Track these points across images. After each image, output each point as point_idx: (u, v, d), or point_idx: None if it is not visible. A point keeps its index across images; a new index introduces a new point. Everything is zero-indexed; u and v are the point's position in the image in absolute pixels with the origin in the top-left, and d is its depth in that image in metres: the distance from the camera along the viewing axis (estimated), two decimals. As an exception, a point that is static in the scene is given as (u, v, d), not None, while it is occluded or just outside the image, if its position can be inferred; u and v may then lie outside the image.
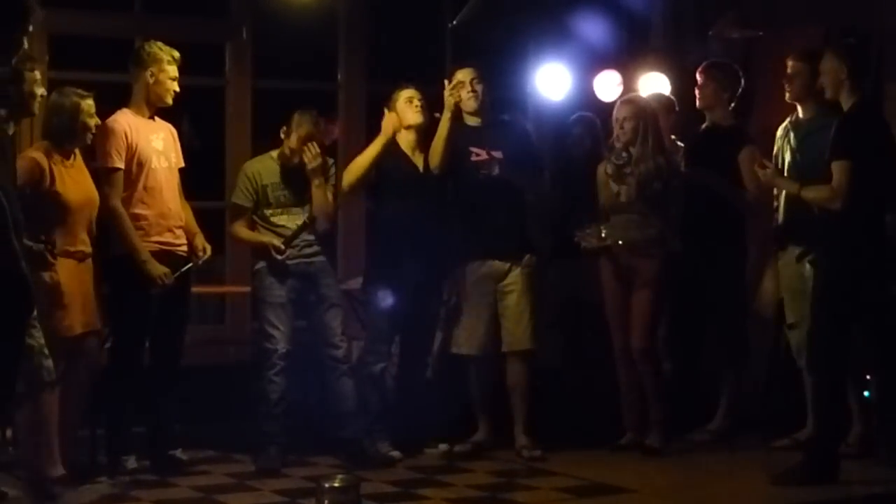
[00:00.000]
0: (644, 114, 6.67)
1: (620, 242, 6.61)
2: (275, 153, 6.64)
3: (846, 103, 6.00)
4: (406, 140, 6.72)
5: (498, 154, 6.66)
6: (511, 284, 6.70)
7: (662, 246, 6.63)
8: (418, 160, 6.72)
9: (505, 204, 6.69)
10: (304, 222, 6.51)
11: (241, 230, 6.63)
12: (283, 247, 6.45)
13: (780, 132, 6.73)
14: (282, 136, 6.57)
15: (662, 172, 6.60)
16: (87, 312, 5.86)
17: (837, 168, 5.88)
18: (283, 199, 6.57)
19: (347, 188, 6.67)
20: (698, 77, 7.05)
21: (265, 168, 6.61)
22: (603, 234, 6.63)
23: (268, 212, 6.57)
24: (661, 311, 6.75)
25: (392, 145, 6.68)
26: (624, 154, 6.63)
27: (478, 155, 6.65)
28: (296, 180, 6.57)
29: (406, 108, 6.67)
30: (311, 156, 6.51)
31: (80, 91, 5.90)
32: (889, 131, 6.13)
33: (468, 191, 6.71)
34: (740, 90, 7.06)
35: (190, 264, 6.29)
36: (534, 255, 6.78)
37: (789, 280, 6.69)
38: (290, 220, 6.54)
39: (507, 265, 6.69)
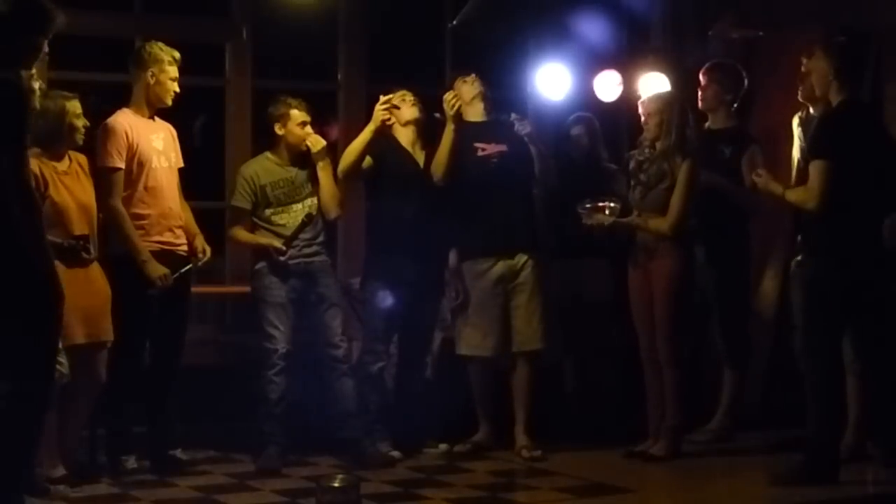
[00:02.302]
0: (670, 109, 6.56)
1: (637, 241, 6.58)
2: (271, 154, 6.65)
3: (834, 102, 5.99)
4: (405, 136, 6.73)
5: (502, 147, 6.68)
6: (522, 284, 6.69)
7: (675, 247, 6.51)
8: (419, 156, 6.73)
9: (512, 198, 6.69)
10: (303, 220, 6.51)
11: (240, 233, 6.64)
12: (283, 248, 6.45)
13: (795, 122, 6.72)
14: (278, 131, 6.57)
15: (675, 172, 6.47)
16: (89, 322, 5.81)
17: (813, 168, 5.86)
18: (283, 198, 6.57)
19: (341, 174, 6.66)
20: (701, 78, 7.05)
21: (262, 168, 6.61)
22: (608, 212, 6.52)
23: (268, 212, 6.57)
24: (681, 313, 6.55)
25: (392, 142, 6.69)
26: (647, 150, 6.60)
27: (483, 150, 6.66)
28: (294, 177, 6.59)
29: (401, 106, 6.68)
30: (314, 140, 6.54)
31: (64, 93, 5.89)
32: (879, 129, 6.12)
33: (474, 187, 6.68)
34: (743, 91, 7.07)
35: (190, 265, 6.29)
36: (540, 251, 6.79)
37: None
38: (291, 219, 6.55)
39: (517, 261, 6.68)
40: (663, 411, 6.57)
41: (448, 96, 6.64)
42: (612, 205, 6.52)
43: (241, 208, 6.61)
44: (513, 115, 6.75)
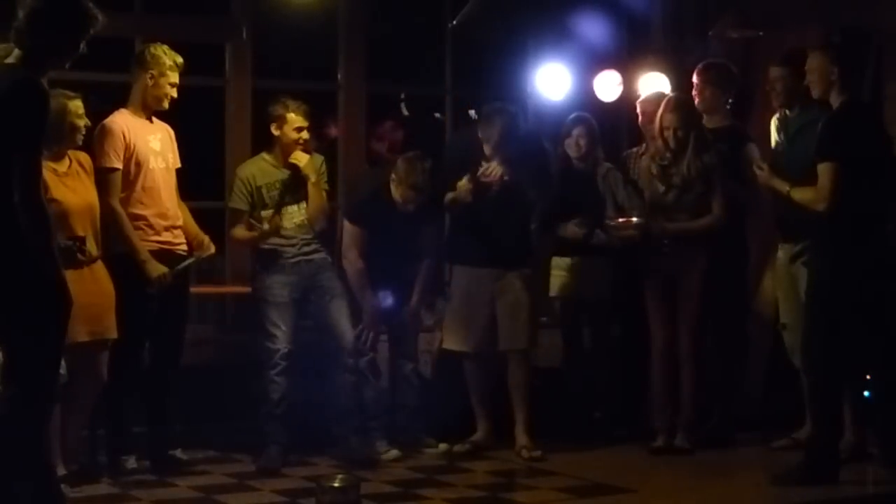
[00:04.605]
0: (689, 119, 6.66)
1: (665, 241, 6.64)
2: (267, 154, 6.64)
3: (835, 102, 6.00)
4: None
5: (503, 172, 6.65)
6: (510, 283, 6.70)
7: (707, 245, 6.63)
8: (396, 193, 6.66)
9: (508, 221, 6.68)
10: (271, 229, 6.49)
11: (240, 233, 6.64)
12: (282, 223, 6.43)
13: (773, 124, 6.81)
14: (274, 132, 6.56)
15: (708, 171, 6.62)
16: (93, 321, 5.78)
17: (822, 170, 5.88)
18: (279, 199, 6.56)
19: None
20: (695, 79, 7.05)
21: (259, 170, 6.61)
22: (635, 221, 6.65)
23: (264, 213, 6.56)
24: (706, 311, 6.72)
25: (384, 196, 6.64)
26: (668, 154, 6.64)
27: (486, 176, 6.63)
28: (290, 179, 6.57)
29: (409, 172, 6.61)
30: (298, 156, 6.52)
31: (67, 92, 5.81)
32: (881, 129, 6.13)
33: (472, 207, 6.65)
34: (736, 90, 7.08)
35: (190, 259, 6.28)
36: (534, 258, 6.79)
37: (782, 280, 6.71)
38: (288, 220, 6.54)
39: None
40: (674, 407, 6.65)
41: (464, 184, 6.59)
42: (634, 220, 6.67)
43: (238, 209, 6.61)
44: (492, 167, 6.65)
